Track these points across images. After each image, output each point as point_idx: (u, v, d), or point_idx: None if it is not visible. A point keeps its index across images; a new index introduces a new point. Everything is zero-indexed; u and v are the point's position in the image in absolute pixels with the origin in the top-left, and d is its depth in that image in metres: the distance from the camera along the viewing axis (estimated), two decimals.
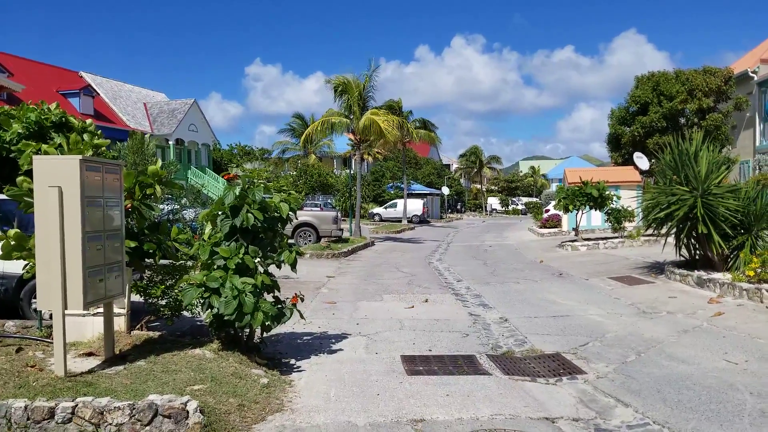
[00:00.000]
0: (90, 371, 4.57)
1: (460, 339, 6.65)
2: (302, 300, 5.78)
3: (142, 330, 5.96)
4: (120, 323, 5.73)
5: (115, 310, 5.49)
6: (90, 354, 5.12)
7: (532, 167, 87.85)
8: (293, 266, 5.58)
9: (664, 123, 21.72)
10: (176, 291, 5.97)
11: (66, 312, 4.46)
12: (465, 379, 5.07)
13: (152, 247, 5.63)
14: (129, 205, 5.53)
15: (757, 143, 22.52)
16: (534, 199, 54.51)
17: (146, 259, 5.76)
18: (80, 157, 4.48)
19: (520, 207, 62.00)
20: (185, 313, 6.23)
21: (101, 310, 5.16)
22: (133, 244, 5.40)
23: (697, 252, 10.39)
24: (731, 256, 9.67)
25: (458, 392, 4.72)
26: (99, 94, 35.21)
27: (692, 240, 10.39)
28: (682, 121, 22.14)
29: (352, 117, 22.75)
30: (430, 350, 6.12)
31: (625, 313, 7.85)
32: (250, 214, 5.27)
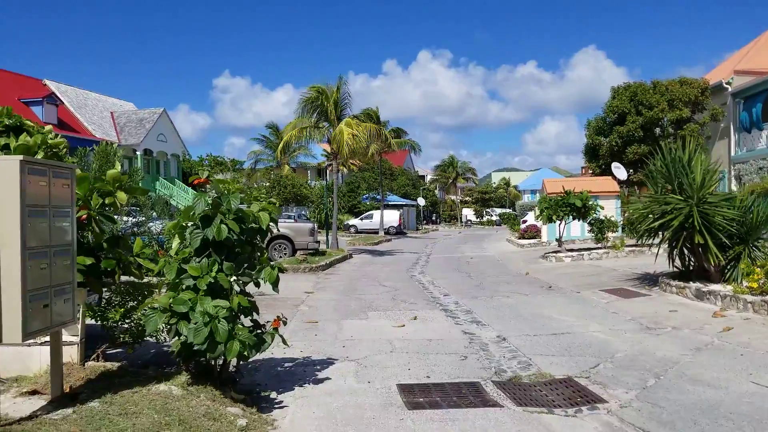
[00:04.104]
0: (31, 416, 3.79)
1: (458, 362, 6.04)
2: (285, 323, 5.10)
3: (98, 360, 5.15)
4: (72, 353, 4.92)
5: (67, 338, 4.72)
6: (34, 393, 4.32)
7: (504, 179, 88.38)
8: (275, 285, 4.88)
9: (641, 133, 21.77)
10: (139, 314, 5.20)
11: (1, 344, 3.69)
12: (474, 412, 4.45)
13: (111, 264, 4.88)
14: (84, 216, 4.79)
15: (733, 153, 22.76)
16: (508, 210, 54.68)
17: (104, 278, 5.01)
18: (21, 157, 3.73)
19: (494, 218, 62.15)
20: (149, 338, 5.47)
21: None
22: (89, 261, 4.65)
23: (692, 263, 10.07)
24: (728, 267, 9.35)
25: (470, 431, 4.10)
26: (63, 103, 33.77)
27: (686, 250, 10.06)
28: (658, 131, 22.26)
29: (328, 125, 22.18)
30: (428, 376, 5.50)
31: (628, 330, 7.38)
32: (224, 225, 4.57)
